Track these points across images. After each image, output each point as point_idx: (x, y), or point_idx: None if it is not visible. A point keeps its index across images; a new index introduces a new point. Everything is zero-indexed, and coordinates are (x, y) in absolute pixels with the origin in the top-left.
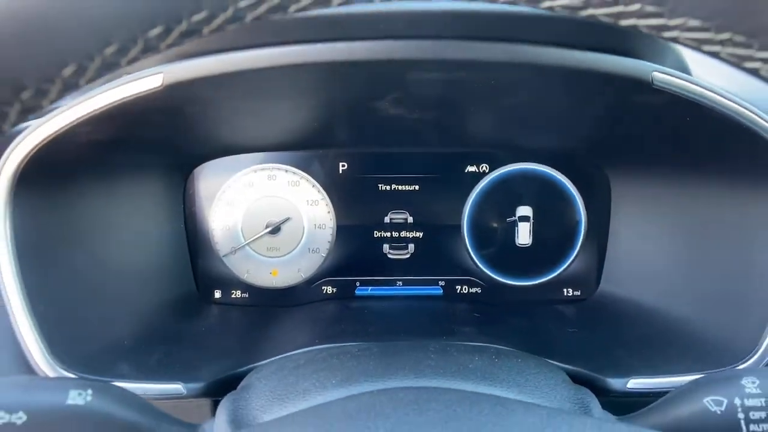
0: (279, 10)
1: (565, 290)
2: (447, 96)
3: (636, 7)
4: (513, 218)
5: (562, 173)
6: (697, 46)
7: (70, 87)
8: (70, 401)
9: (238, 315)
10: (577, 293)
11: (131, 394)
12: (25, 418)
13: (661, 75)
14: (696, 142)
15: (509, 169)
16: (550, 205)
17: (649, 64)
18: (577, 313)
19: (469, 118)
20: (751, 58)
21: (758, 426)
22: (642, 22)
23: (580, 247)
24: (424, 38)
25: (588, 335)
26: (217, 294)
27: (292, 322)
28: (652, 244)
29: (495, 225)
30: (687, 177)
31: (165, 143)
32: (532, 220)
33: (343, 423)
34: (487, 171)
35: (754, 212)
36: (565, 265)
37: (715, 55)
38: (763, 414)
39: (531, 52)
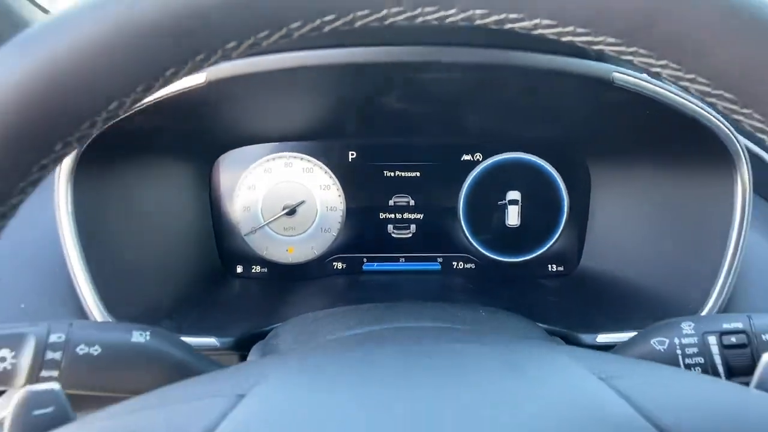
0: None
1: (549, 266)
2: (444, 94)
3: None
4: (503, 202)
5: (547, 161)
6: (618, 56)
7: (157, 89)
8: (133, 339)
9: (258, 287)
10: (561, 268)
11: (180, 339)
12: (100, 350)
13: (620, 75)
14: (656, 133)
15: (500, 158)
16: (536, 190)
17: (611, 66)
18: (560, 286)
19: (465, 113)
20: (653, 65)
21: (691, 359)
22: (574, 39)
23: (563, 227)
24: (423, 45)
25: (567, 303)
26: (239, 269)
27: (307, 293)
28: (625, 223)
29: (487, 208)
30: (652, 163)
31: (196, 133)
32: (520, 204)
33: (346, 351)
34: (480, 159)
35: (704, 190)
36: (550, 244)
37: (630, 63)
38: (695, 350)
39: (513, 56)
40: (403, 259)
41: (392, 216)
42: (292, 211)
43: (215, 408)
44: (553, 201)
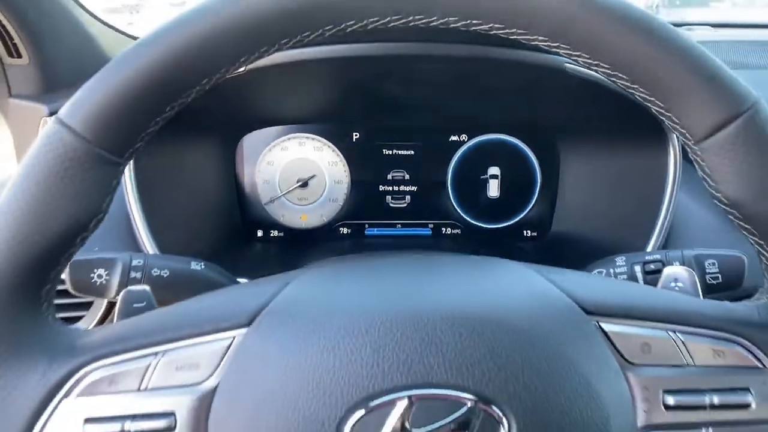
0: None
1: (525, 231)
2: (432, 83)
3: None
4: (485, 176)
5: (523, 142)
6: (548, 48)
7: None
8: (192, 267)
9: (276, 248)
10: (535, 234)
11: (226, 272)
12: (168, 273)
13: (571, 65)
14: (609, 114)
15: (483, 138)
16: (513, 167)
17: (564, 59)
18: (534, 248)
19: (451, 99)
20: (571, 55)
21: None
22: (519, 38)
23: (537, 198)
24: (413, 41)
25: (541, 262)
26: (260, 233)
27: (318, 253)
28: (588, 192)
29: (472, 181)
30: (608, 139)
31: (226, 116)
32: (500, 178)
33: (361, 262)
34: (466, 140)
35: (647, 159)
36: (525, 212)
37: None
38: (625, 276)
39: (486, 50)
40: (400, 225)
41: (390, 188)
42: (304, 184)
43: (267, 290)
44: (527, 176)
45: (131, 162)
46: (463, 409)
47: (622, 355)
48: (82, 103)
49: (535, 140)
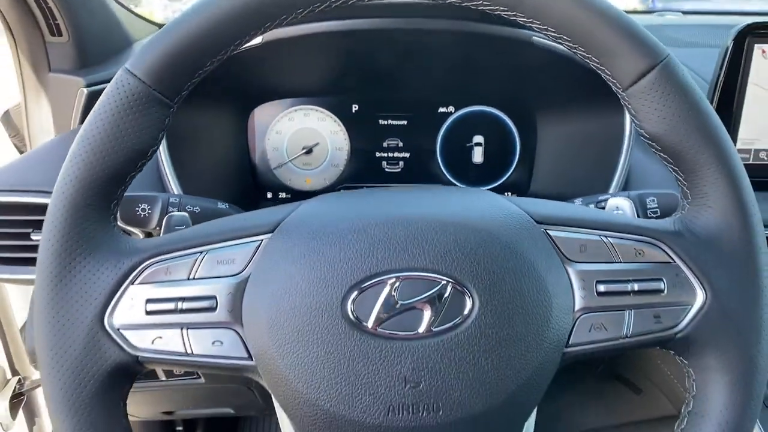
0: None
1: (506, 193)
2: (420, 56)
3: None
4: (471, 144)
5: (503, 112)
6: (507, 18)
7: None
8: (219, 206)
9: None
10: (515, 194)
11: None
12: (199, 209)
13: (537, 38)
14: (573, 81)
15: (468, 109)
16: (495, 135)
17: (531, 32)
18: None
19: (439, 74)
20: (526, 22)
21: None
22: (485, 9)
23: (516, 163)
24: (403, 16)
25: None
26: (269, 195)
27: None
28: (561, 156)
29: (458, 148)
30: (577, 108)
31: (241, 88)
32: (483, 145)
33: (351, 195)
34: (453, 111)
35: (607, 121)
36: (506, 176)
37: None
38: None
39: (460, 24)
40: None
41: (385, 155)
42: (309, 151)
43: (286, 209)
44: (508, 144)
45: None
46: (438, 287)
47: (563, 254)
48: (144, 57)
49: (514, 111)
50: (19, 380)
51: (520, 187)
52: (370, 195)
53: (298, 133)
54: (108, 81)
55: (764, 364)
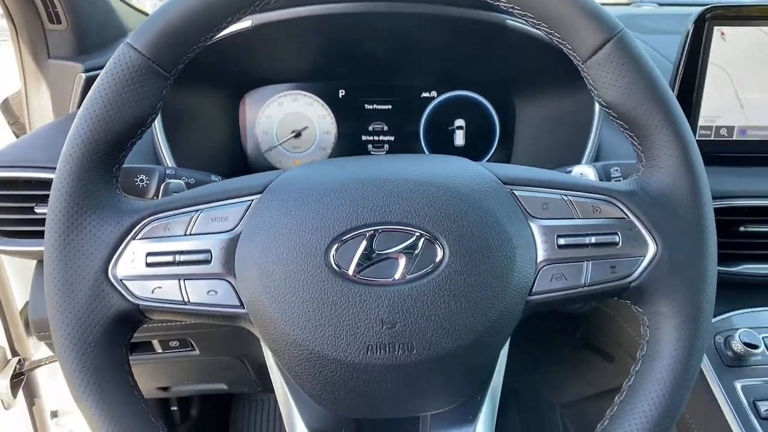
0: None
1: None
2: (400, 41)
3: None
4: (452, 127)
5: (483, 96)
6: (491, 3)
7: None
8: (212, 178)
9: None
10: None
11: None
12: (194, 180)
13: (510, 21)
14: (550, 67)
15: (450, 94)
16: (476, 119)
17: (505, 16)
18: None
19: (421, 60)
20: (506, 7)
21: None
22: None
23: (497, 146)
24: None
25: None
26: None
27: None
28: (538, 137)
29: (441, 132)
30: (553, 88)
31: (233, 74)
32: (465, 129)
33: (333, 161)
34: (435, 96)
35: (579, 103)
36: (487, 158)
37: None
38: None
39: (440, 8)
40: None
41: (371, 138)
42: (298, 135)
43: (273, 173)
44: (488, 126)
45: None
46: (412, 239)
47: (527, 211)
48: (143, 33)
49: (493, 95)
50: (19, 360)
51: None
52: (351, 160)
53: (288, 118)
54: None
55: (709, 308)
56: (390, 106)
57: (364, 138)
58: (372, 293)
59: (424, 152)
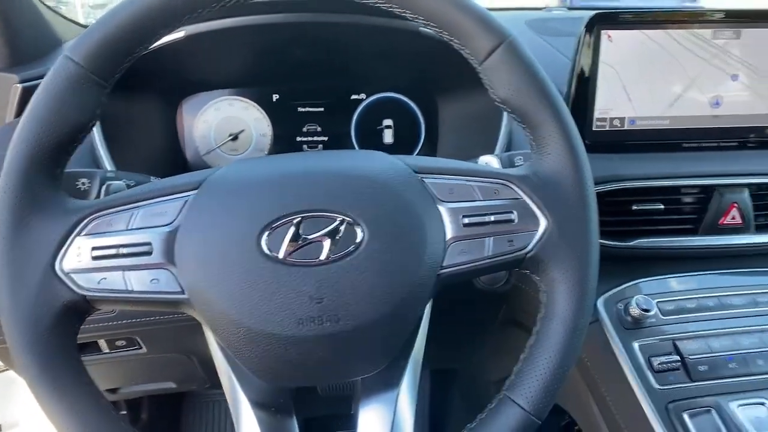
0: None
1: None
2: (327, 47)
3: None
4: (381, 127)
5: (408, 97)
6: (386, 9)
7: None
8: (152, 180)
9: None
10: None
11: None
12: (134, 183)
13: (423, 29)
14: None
15: (377, 96)
16: (403, 118)
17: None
18: None
19: (347, 65)
20: (398, 11)
21: None
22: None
23: (423, 143)
24: (304, 11)
25: None
26: None
27: None
28: (457, 132)
29: (371, 131)
30: (469, 87)
31: (171, 81)
32: (393, 128)
33: (262, 158)
34: (364, 98)
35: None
36: (414, 154)
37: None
38: None
39: (357, 17)
40: None
41: (306, 139)
42: (235, 137)
43: (207, 171)
44: (414, 125)
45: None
46: (335, 223)
47: (436, 196)
48: (81, 45)
49: (417, 96)
50: None
51: None
52: (279, 157)
53: (225, 122)
54: (42, 77)
55: (593, 271)
56: (322, 109)
57: (298, 139)
58: (301, 273)
59: (354, 148)
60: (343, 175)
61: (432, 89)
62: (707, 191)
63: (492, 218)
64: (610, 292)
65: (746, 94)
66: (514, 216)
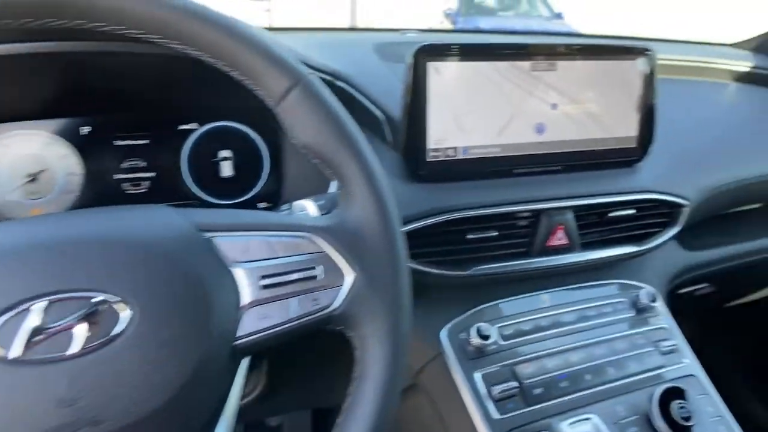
0: None
1: (259, 204)
2: (141, 77)
3: None
4: (218, 159)
5: (248, 125)
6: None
7: None
8: None
9: None
10: (270, 205)
11: None
12: None
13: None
14: None
15: (212, 125)
16: (243, 148)
17: None
18: None
19: (170, 94)
20: (156, 40)
21: None
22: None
23: (268, 174)
24: (104, 40)
25: None
26: None
27: None
28: (304, 163)
29: (206, 164)
30: None
31: None
32: (232, 159)
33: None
34: (197, 128)
35: None
36: (258, 188)
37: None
38: None
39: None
40: None
41: (126, 176)
42: (33, 179)
43: None
44: (255, 155)
45: None
46: (91, 305)
47: (228, 257)
48: None
49: (258, 125)
50: None
51: (273, 197)
52: (27, 220)
53: (19, 161)
54: None
55: (406, 324)
56: (147, 141)
57: (116, 177)
58: (46, 372)
59: (188, 187)
60: (107, 242)
61: (272, 116)
62: (536, 215)
63: (294, 276)
64: (453, 322)
65: (567, 121)
66: (318, 271)
